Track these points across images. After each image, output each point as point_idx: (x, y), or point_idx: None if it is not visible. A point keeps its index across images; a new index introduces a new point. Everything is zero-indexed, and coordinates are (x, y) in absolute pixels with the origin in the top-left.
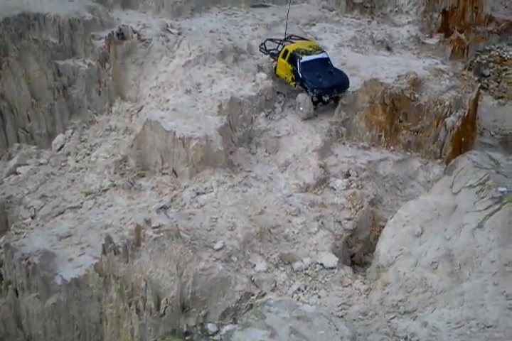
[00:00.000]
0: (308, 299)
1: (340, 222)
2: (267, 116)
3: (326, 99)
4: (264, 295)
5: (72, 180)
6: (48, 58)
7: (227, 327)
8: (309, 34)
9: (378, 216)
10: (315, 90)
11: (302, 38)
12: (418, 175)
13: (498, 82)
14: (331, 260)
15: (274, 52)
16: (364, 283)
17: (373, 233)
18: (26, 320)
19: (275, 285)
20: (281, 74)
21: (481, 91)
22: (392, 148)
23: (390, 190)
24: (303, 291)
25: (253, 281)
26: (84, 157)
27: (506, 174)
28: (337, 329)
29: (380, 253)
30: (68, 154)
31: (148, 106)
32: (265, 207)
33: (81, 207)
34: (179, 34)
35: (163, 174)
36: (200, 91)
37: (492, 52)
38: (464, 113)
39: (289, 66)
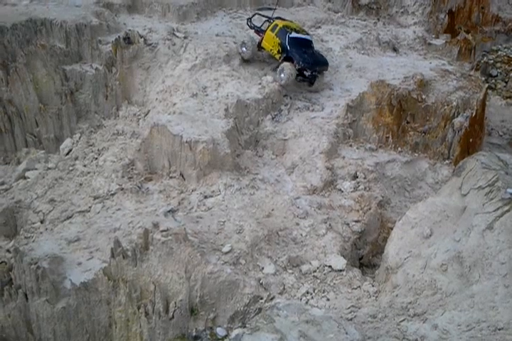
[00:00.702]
0: (317, 302)
1: (348, 224)
2: (273, 118)
3: (307, 73)
4: (272, 298)
5: (80, 184)
6: (55, 63)
7: (236, 331)
8: (315, 36)
9: (386, 218)
10: (301, 63)
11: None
12: (426, 176)
13: (506, 82)
14: (339, 262)
15: (261, 28)
16: (373, 286)
17: (382, 235)
18: (36, 324)
19: (283, 288)
20: (267, 47)
21: (489, 91)
22: (399, 149)
23: (398, 192)
24: (311, 294)
25: (261, 284)
26: (92, 161)
27: None
28: (346, 333)
29: (388, 255)
30: (76, 158)
31: (155, 110)
32: (273, 210)
33: (89, 211)
34: (185, 38)
35: (171, 177)
36: (207, 95)
37: (499, 52)
38: (472, 113)
39: (277, 39)
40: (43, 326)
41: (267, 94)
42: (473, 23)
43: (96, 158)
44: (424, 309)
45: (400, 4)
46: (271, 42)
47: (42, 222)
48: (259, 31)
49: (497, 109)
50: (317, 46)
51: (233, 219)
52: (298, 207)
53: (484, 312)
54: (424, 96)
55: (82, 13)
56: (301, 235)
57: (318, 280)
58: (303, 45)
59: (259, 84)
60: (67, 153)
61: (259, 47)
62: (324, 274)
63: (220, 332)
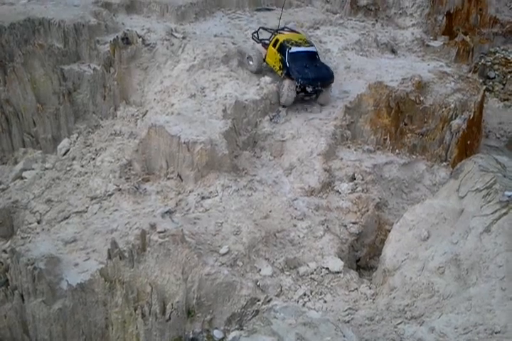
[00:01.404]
0: (314, 304)
1: (345, 225)
2: (271, 119)
3: (309, 90)
4: (269, 300)
5: (78, 185)
6: (53, 63)
7: (233, 333)
8: (313, 37)
9: (384, 220)
10: (300, 80)
11: (293, 31)
12: (424, 178)
13: (504, 84)
14: (336, 264)
15: (266, 41)
16: (370, 288)
17: (379, 237)
18: (32, 325)
19: (281, 290)
20: (270, 62)
21: (487, 93)
22: (397, 151)
23: (395, 194)
24: (309, 296)
25: (258, 286)
26: (89, 161)
27: None
28: (343, 336)
29: (386, 257)
30: (73, 159)
31: (152, 110)
32: (270, 211)
33: (86, 211)
34: (183, 38)
35: (168, 178)
36: (205, 96)
37: (497, 54)
38: (470, 115)
39: (278, 55)
40: (39, 327)
41: (265, 95)
42: (471, 24)
43: (93, 159)
44: (421, 312)
45: (398, 6)
46: (273, 58)
47: (39, 223)
48: (265, 44)
49: (494, 111)
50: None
51: (231, 221)
52: (295, 209)
53: (481, 315)
54: (422, 98)
55: (80, 12)
56: (299, 237)
57: (316, 283)
58: (305, 59)
59: (258, 85)
60: (65, 153)
61: (265, 61)
62: (321, 276)
63: (217, 334)
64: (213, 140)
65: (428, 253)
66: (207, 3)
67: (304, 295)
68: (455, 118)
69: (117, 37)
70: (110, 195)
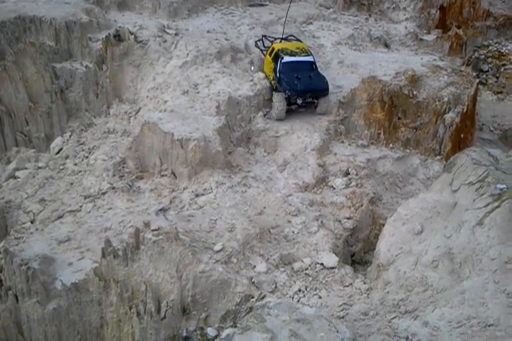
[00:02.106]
0: (309, 300)
1: (340, 221)
2: (265, 115)
3: (299, 102)
4: (263, 297)
5: (71, 184)
6: (44, 61)
7: (227, 331)
8: (306, 32)
9: (378, 214)
10: (287, 92)
11: (298, 40)
12: (418, 172)
13: (497, 77)
14: (331, 260)
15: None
16: (365, 283)
17: (373, 231)
18: (27, 326)
19: (275, 287)
20: (266, 72)
21: (480, 86)
22: (391, 145)
23: (389, 188)
24: (303, 292)
25: (253, 283)
26: (82, 160)
27: (505, 171)
28: (337, 331)
29: (380, 252)
30: (67, 157)
31: (146, 107)
32: (265, 208)
33: (80, 210)
34: (176, 35)
35: (162, 176)
36: (198, 92)
37: (490, 48)
38: (463, 109)
39: (272, 64)
40: (34, 327)
41: (258, 91)
42: (464, 18)
43: (87, 157)
44: (415, 306)
45: (392, 0)
46: (268, 67)
47: (32, 222)
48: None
49: (488, 105)
50: (309, 42)
51: (225, 218)
52: (290, 205)
53: (474, 308)
54: (415, 92)
55: (71, 10)
56: (293, 232)
57: (310, 278)
58: (298, 70)
59: (251, 81)
60: (58, 152)
61: (263, 71)
62: (316, 272)
63: (211, 332)
64: (207, 136)
65: (422, 247)
66: None
67: (299, 291)
68: (448, 112)
69: (109, 34)
70: (104, 194)
